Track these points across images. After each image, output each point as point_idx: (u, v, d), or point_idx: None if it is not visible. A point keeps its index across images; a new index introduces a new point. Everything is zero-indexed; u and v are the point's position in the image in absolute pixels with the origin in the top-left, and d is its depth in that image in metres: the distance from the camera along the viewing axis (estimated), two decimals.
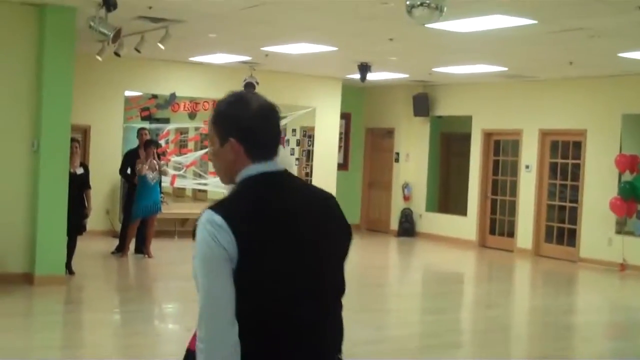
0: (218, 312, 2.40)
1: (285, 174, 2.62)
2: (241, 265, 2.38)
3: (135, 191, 12.57)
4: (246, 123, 2.53)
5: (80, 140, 12.40)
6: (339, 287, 2.67)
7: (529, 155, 15.64)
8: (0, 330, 8.22)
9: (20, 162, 9.95)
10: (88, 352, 7.30)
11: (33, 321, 8.69)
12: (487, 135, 16.64)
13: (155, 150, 12.76)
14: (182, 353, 7.54)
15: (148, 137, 13.46)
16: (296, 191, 2.63)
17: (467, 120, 16.96)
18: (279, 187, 2.57)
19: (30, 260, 9.92)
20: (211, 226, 2.40)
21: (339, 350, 2.66)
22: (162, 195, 13.41)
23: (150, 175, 12.52)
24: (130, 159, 13.01)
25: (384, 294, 11.56)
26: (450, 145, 18.50)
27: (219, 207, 2.46)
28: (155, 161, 12.65)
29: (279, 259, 2.45)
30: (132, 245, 12.88)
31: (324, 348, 2.59)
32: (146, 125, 15.31)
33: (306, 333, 2.50)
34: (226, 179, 2.61)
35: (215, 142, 2.57)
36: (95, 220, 13.59)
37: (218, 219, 2.40)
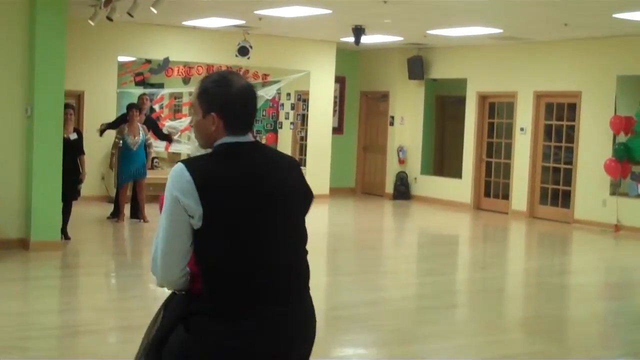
0: (172, 251, 2.85)
1: (255, 144, 3.03)
2: (206, 220, 2.80)
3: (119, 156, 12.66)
4: (227, 101, 2.94)
5: (74, 106, 12.35)
6: (303, 237, 3.08)
7: (524, 117, 15.62)
8: None
9: (14, 129, 9.92)
10: (85, 316, 7.32)
11: (30, 286, 8.72)
12: (482, 97, 16.61)
13: (137, 114, 12.65)
14: None
15: (148, 103, 13.46)
16: (264, 157, 3.04)
17: (462, 83, 16.92)
18: (249, 153, 2.98)
19: (26, 226, 9.93)
20: (180, 180, 2.81)
21: (306, 290, 3.08)
22: (156, 160, 13.38)
23: (131, 140, 12.46)
24: (123, 123, 12.91)
25: (380, 256, 11.61)
26: (445, 108, 18.48)
27: (191, 164, 2.87)
28: (137, 125, 12.59)
29: (246, 214, 2.86)
30: (127, 211, 12.90)
31: (299, 284, 3.03)
32: (140, 90, 15.26)
33: (282, 274, 2.93)
34: (204, 144, 3.03)
35: (198, 113, 2.97)
36: (90, 185, 13.60)
37: (187, 175, 2.81)
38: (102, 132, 13.12)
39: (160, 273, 2.91)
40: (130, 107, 12.75)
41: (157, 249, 2.88)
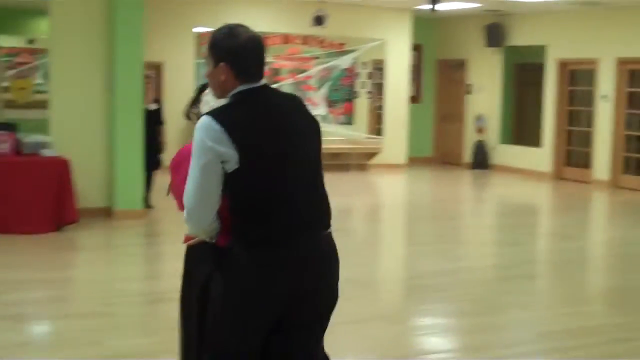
0: (207, 198, 3.04)
1: (268, 87, 3.21)
2: (242, 162, 3.00)
3: None
4: (235, 51, 3.11)
5: (152, 76, 12.53)
6: (322, 174, 3.32)
7: (606, 85, 15.25)
8: (82, 262, 8.49)
9: (96, 100, 10.14)
10: (167, 284, 7.46)
11: (114, 253, 8.93)
12: (562, 65, 16.27)
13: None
14: None
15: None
16: (278, 98, 3.25)
17: (541, 50, 16.59)
18: (265, 96, 3.16)
19: (110, 195, 10.19)
20: (210, 129, 2.99)
21: (329, 225, 3.34)
22: None
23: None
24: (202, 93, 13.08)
25: (459, 226, 11.54)
26: (523, 76, 18.14)
27: (217, 115, 3.04)
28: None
29: (271, 161, 3.07)
30: None
31: (323, 220, 3.31)
32: None
33: (309, 209, 3.20)
34: (218, 94, 3.23)
35: (210, 64, 3.17)
36: (171, 155, 13.81)
37: (216, 125, 2.99)
38: (188, 115, 13.17)
39: (196, 221, 3.11)
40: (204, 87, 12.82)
41: (190, 199, 3.06)
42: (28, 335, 5.86)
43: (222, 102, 3.22)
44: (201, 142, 3.00)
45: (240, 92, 3.13)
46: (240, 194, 3.08)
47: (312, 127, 3.28)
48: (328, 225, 3.33)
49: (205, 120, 3.03)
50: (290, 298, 3.18)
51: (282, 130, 3.13)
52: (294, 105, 3.28)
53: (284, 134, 3.13)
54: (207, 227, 3.14)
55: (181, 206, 3.27)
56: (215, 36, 3.17)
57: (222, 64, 3.12)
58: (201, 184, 3.02)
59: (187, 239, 3.38)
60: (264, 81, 3.19)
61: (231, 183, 3.05)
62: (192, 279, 3.48)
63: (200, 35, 15.90)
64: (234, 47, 3.12)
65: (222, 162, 3.01)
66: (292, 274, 3.13)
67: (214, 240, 3.22)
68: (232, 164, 3.01)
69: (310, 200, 3.23)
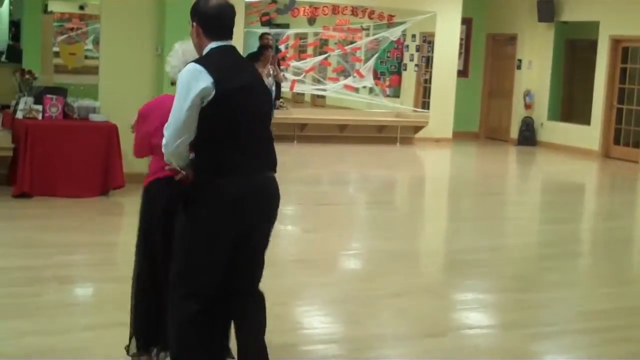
0: (182, 127, 3.63)
1: (233, 47, 3.86)
2: (215, 98, 3.61)
3: None
4: (205, 13, 3.78)
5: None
6: (269, 123, 3.99)
7: None
8: (128, 226, 8.60)
9: (146, 67, 10.20)
10: None
11: None
12: (615, 41, 15.99)
13: (273, 56, 12.76)
14: (301, 254, 7.77)
15: (270, 41, 13.52)
16: (240, 55, 3.98)
17: (593, 26, 16.31)
18: (232, 52, 3.85)
19: None
20: (194, 71, 3.63)
21: (275, 170, 3.96)
22: (280, 100, 13.48)
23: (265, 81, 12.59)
24: (251, 62, 13.12)
25: (502, 202, 11.47)
26: (575, 52, 17.89)
27: (198, 61, 3.71)
28: (269, 66, 12.71)
29: (237, 96, 3.70)
30: None
31: (272, 159, 3.93)
32: (266, 30, 15.40)
33: (259, 146, 3.85)
34: (198, 51, 3.89)
35: (190, 23, 3.84)
36: None
37: (199, 67, 3.64)
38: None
39: (175, 149, 3.67)
40: (263, 47, 12.83)
41: (173, 131, 3.64)
42: (75, 297, 5.98)
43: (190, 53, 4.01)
44: (187, 82, 3.62)
45: (214, 48, 3.78)
46: (212, 121, 3.65)
47: (264, 89, 3.99)
48: (275, 169, 3.95)
49: (189, 65, 3.69)
50: (246, 227, 3.81)
51: (246, 78, 3.82)
52: (253, 69, 4.01)
53: (247, 81, 3.82)
54: (183, 153, 3.70)
55: (138, 153, 4.40)
56: (195, 2, 3.84)
57: (194, 23, 3.81)
58: (186, 118, 3.62)
59: (174, 172, 3.81)
60: (232, 42, 3.86)
61: (205, 114, 3.64)
62: (154, 215, 4.22)
63: (248, 5, 15.91)
64: (204, 10, 3.78)
65: (202, 97, 3.62)
66: (249, 203, 3.76)
67: (184, 172, 3.77)
68: (209, 97, 3.62)
69: (263, 143, 3.89)
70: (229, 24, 3.83)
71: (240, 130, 3.71)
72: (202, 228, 3.73)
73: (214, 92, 3.61)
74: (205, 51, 3.79)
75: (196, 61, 3.71)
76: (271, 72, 12.62)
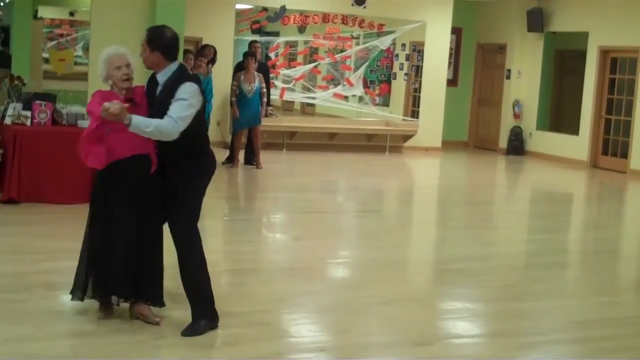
0: (187, 122, 5.08)
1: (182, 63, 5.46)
2: (200, 110, 5.21)
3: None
4: (165, 44, 5.19)
5: (192, 51, 12.60)
6: None
7: None
8: None
9: (135, 74, 10.12)
10: (210, 256, 7.53)
11: None
12: (604, 52, 16.07)
13: (253, 62, 12.81)
14: (289, 262, 7.74)
15: (260, 49, 13.54)
16: None
17: (583, 36, 16.39)
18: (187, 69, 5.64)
19: None
20: (197, 89, 5.14)
21: None
22: (270, 107, 13.49)
23: (247, 87, 12.65)
24: (240, 70, 13.16)
25: (492, 211, 11.50)
26: (564, 62, 17.96)
27: (193, 81, 5.19)
28: (254, 73, 12.74)
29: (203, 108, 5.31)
30: (242, 157, 13.14)
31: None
32: (256, 38, 15.40)
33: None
34: (148, 66, 5.26)
35: (147, 49, 5.18)
36: (212, 128, 13.92)
37: (196, 86, 5.15)
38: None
39: (177, 133, 5.01)
40: (246, 54, 12.91)
41: (183, 125, 5.02)
42: (62, 304, 5.94)
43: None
44: (196, 95, 5.12)
45: (177, 68, 5.22)
46: (196, 124, 5.12)
47: None
48: None
49: (193, 85, 5.13)
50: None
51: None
52: None
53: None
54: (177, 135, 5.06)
55: (83, 154, 5.29)
56: (152, 33, 5.23)
57: (156, 52, 5.15)
58: (191, 116, 5.07)
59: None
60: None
61: (194, 119, 5.11)
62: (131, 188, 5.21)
63: (238, 13, 15.91)
64: (165, 42, 5.19)
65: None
66: (211, 171, 5.42)
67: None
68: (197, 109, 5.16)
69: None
70: (178, 47, 5.34)
71: (205, 127, 5.54)
72: (201, 187, 5.36)
73: (201, 103, 5.24)
74: (168, 69, 5.19)
75: (191, 80, 5.18)
76: (255, 80, 12.66)
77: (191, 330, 5.21)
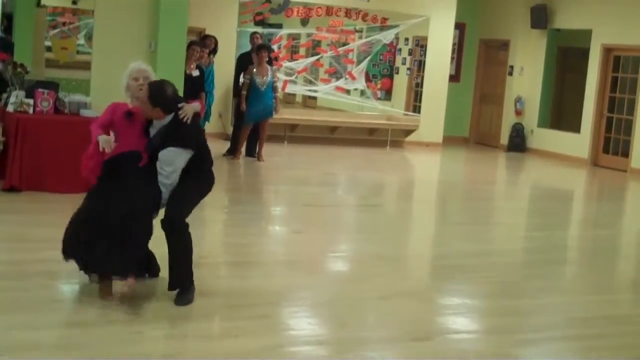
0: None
1: None
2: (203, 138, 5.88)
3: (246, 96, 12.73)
4: (168, 100, 5.64)
5: (198, 42, 12.57)
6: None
7: None
8: None
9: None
10: (199, 249, 7.54)
11: None
12: (607, 50, 16.06)
13: (267, 55, 12.81)
14: (289, 255, 7.73)
15: (260, 41, 13.52)
16: None
17: (586, 34, 16.38)
18: None
19: None
20: (182, 151, 5.62)
21: None
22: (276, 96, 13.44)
23: (259, 80, 12.63)
24: (242, 62, 13.16)
25: (492, 208, 11.51)
26: (567, 60, 17.95)
27: (181, 140, 5.65)
28: (266, 66, 12.73)
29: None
30: (243, 149, 13.15)
31: None
32: (259, 29, 15.39)
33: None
34: (148, 115, 5.69)
35: (149, 105, 5.61)
36: (213, 122, 13.95)
37: (181, 149, 5.62)
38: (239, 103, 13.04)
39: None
40: (260, 47, 12.83)
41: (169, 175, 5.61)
42: (62, 293, 5.97)
43: None
44: (182, 154, 5.62)
45: (173, 117, 5.64)
46: (197, 154, 5.70)
47: None
48: None
49: (178, 149, 5.60)
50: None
51: None
52: None
53: None
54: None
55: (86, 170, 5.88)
56: (154, 90, 5.62)
57: (158, 108, 5.60)
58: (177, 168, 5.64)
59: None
60: None
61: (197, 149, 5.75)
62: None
63: (242, 4, 15.90)
64: (167, 98, 5.64)
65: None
66: (206, 191, 5.91)
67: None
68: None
69: None
70: (176, 101, 5.75)
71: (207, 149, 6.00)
72: (197, 194, 5.85)
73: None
74: (166, 119, 5.64)
75: (179, 139, 5.62)
76: (268, 74, 12.64)
77: (185, 299, 5.61)
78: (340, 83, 17.37)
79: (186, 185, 5.64)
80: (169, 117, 5.62)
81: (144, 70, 5.95)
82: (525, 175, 15.80)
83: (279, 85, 13.67)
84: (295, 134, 15.71)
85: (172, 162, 5.53)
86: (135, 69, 5.95)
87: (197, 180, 5.75)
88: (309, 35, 18.17)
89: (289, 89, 17.09)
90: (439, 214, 10.98)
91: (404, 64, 18.55)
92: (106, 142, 5.64)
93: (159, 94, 5.60)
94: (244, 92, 12.77)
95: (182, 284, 5.67)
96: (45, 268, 6.30)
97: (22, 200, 8.71)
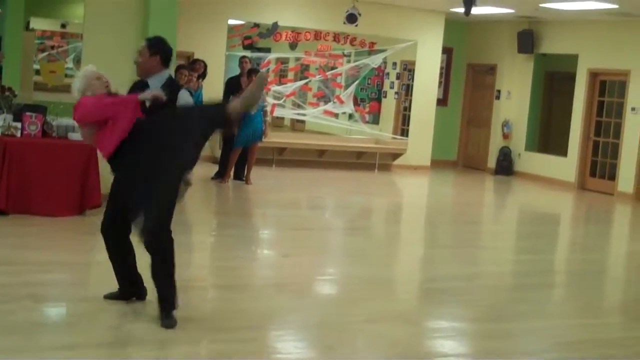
0: None
1: None
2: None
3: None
4: (166, 50, 5.84)
5: (186, 65, 12.60)
6: None
7: (636, 97, 15.17)
8: (104, 247, 8.56)
9: (126, 87, 10.19)
10: (187, 273, 7.52)
11: (136, 239, 8.97)
12: (593, 75, 16.19)
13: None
14: (277, 278, 7.72)
15: (249, 65, 13.55)
16: None
17: (572, 59, 16.51)
18: None
19: None
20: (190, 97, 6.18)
21: None
22: (265, 120, 13.46)
23: None
24: (231, 86, 13.19)
25: (479, 231, 11.53)
26: (553, 84, 18.09)
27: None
28: None
29: None
30: (231, 172, 13.15)
31: None
32: (248, 53, 15.45)
33: None
34: (142, 75, 5.89)
35: (146, 54, 5.80)
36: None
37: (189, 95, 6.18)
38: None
39: None
40: (251, 72, 12.86)
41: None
42: (46, 316, 5.94)
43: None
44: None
45: (170, 77, 5.92)
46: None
47: None
48: None
49: (187, 91, 6.04)
50: None
51: None
52: None
53: None
54: None
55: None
56: (153, 39, 5.89)
57: (156, 56, 5.75)
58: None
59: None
60: None
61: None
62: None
63: (231, 28, 15.97)
64: (166, 48, 5.82)
65: None
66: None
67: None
68: None
69: None
70: (172, 59, 5.91)
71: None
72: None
73: None
74: (161, 76, 5.79)
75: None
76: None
77: (171, 320, 5.53)
78: (329, 107, 17.43)
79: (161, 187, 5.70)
80: (165, 74, 5.79)
81: (101, 73, 5.94)
82: (512, 198, 15.85)
83: (268, 109, 13.69)
84: (284, 157, 15.73)
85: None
86: (93, 71, 5.95)
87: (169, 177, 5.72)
88: (297, 59, 18.24)
89: (278, 112, 17.13)
90: (427, 237, 10.99)
91: (392, 87, 18.65)
92: (150, 94, 5.66)
93: (159, 41, 5.85)
94: None
95: (166, 303, 5.65)
96: (31, 291, 6.26)
97: (9, 224, 8.68)
